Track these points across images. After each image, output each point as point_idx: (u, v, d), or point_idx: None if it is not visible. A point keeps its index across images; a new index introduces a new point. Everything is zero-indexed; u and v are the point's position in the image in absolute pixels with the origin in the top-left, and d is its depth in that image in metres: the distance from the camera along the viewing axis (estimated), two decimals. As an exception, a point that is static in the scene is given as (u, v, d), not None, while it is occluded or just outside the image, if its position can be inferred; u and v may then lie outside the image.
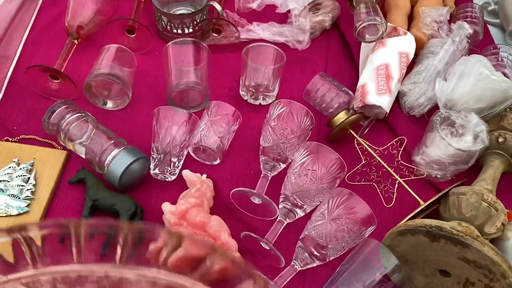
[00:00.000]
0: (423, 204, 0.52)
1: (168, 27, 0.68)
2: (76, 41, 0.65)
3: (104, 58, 0.61)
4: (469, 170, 0.57)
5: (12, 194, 0.54)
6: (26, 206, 0.53)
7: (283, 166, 0.56)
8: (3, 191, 0.54)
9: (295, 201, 0.52)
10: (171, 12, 0.68)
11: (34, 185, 0.55)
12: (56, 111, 0.57)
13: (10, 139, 0.59)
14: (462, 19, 0.71)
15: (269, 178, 0.56)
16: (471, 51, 0.69)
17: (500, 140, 0.57)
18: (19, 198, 0.54)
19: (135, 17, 0.68)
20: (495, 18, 0.78)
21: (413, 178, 0.57)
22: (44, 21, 0.72)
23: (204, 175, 0.55)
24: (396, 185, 0.56)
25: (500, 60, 0.66)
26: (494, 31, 0.77)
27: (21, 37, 0.69)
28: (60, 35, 0.68)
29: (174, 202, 0.52)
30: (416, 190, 0.55)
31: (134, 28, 0.67)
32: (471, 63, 0.59)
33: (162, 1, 0.66)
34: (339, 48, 0.73)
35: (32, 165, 0.56)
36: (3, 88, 0.63)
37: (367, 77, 0.64)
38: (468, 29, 0.68)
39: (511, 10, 0.73)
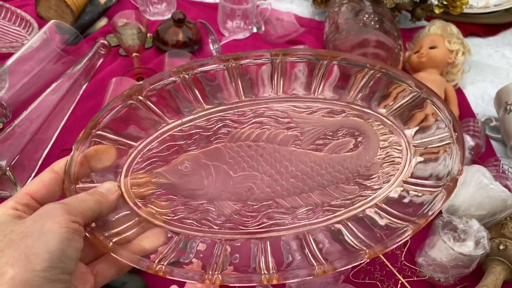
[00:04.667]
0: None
1: (192, 123, 0.75)
2: (107, 130, 0.71)
3: (132, 146, 0.67)
4: (471, 275, 0.58)
5: None
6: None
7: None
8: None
9: (299, 293, 0.54)
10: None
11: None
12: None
13: (36, 214, 0.63)
14: (465, 132, 0.76)
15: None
16: (474, 162, 0.73)
17: (501, 247, 0.59)
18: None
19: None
20: (497, 133, 0.83)
21: (415, 279, 0.59)
22: (81, 110, 0.80)
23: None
24: (399, 285, 0.57)
25: (501, 172, 0.70)
26: (496, 145, 0.82)
27: (59, 124, 0.76)
28: (94, 124, 0.75)
29: (182, 285, 0.54)
30: (418, 291, 0.56)
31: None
32: (471, 172, 0.63)
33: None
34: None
35: (52, 240, 0.60)
36: (37, 167, 0.69)
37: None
38: (470, 141, 0.73)
39: (511, 127, 0.78)
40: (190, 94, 0.44)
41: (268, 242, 0.40)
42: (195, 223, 0.41)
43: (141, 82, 0.43)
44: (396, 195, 0.42)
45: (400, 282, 0.57)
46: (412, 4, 1.00)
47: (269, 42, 0.98)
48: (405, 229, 0.38)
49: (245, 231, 0.41)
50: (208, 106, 0.45)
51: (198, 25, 0.92)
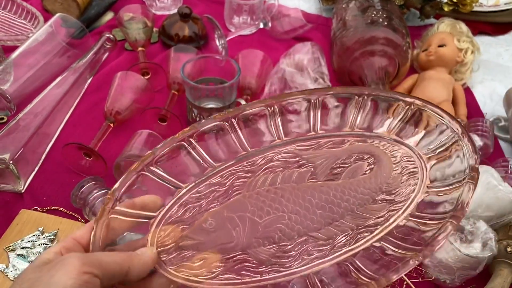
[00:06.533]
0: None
1: (197, 118, 0.74)
2: (112, 125, 0.71)
3: (136, 141, 0.66)
4: (478, 277, 0.58)
5: (31, 261, 0.56)
6: (44, 274, 0.55)
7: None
8: (24, 257, 0.56)
9: None
10: (201, 106, 0.74)
11: (54, 254, 0.57)
12: (85, 186, 0.61)
13: (39, 208, 0.63)
14: (473, 132, 0.75)
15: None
16: (482, 162, 0.72)
17: (509, 249, 0.58)
18: (38, 265, 0.56)
19: (168, 107, 0.75)
20: (506, 133, 0.82)
21: (421, 280, 0.58)
22: (85, 105, 0.79)
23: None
24: (404, 285, 0.56)
25: (509, 172, 0.69)
26: (504, 146, 0.80)
27: (63, 118, 0.76)
28: (98, 118, 0.75)
29: None
30: (424, 293, 0.55)
31: (166, 117, 0.73)
32: (480, 172, 0.62)
33: (194, 95, 0.73)
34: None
35: (55, 235, 0.59)
36: (40, 161, 0.69)
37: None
38: (478, 141, 0.72)
39: (520, 127, 0.77)
40: (198, 156, 0.46)
41: (315, 277, 0.40)
42: (234, 276, 0.40)
43: (149, 151, 0.44)
44: (425, 200, 0.43)
45: (405, 282, 0.56)
46: (421, 1, 0.99)
47: (275, 38, 0.97)
48: (447, 225, 0.38)
49: (288, 271, 0.40)
50: (218, 164, 0.46)
51: (204, 20, 0.92)
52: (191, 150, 0.46)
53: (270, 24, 0.96)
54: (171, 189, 0.44)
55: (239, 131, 0.47)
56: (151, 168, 0.43)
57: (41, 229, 0.59)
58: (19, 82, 0.77)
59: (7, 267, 0.56)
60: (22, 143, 0.65)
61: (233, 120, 0.47)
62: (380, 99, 0.48)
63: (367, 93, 0.48)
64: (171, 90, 0.78)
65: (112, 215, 0.39)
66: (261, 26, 0.96)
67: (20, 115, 0.70)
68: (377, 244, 0.41)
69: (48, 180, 0.67)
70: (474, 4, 0.99)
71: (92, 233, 0.37)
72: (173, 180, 0.44)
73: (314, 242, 0.41)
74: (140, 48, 0.85)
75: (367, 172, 0.45)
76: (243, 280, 0.40)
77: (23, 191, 0.65)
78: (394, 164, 0.46)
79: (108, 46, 0.88)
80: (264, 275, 0.40)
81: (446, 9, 0.99)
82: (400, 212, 0.43)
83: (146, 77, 0.81)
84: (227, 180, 0.45)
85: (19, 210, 0.62)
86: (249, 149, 0.47)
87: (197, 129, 0.46)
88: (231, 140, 0.47)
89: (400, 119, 0.47)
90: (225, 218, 0.42)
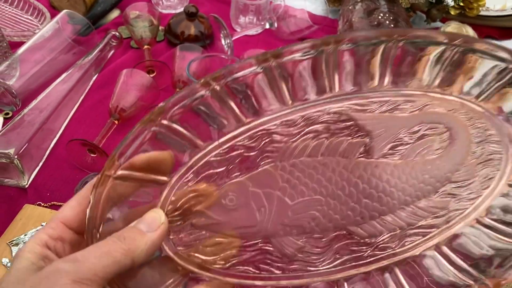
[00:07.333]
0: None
1: (201, 117, 0.74)
2: (116, 122, 0.71)
3: (140, 139, 0.66)
4: (480, 281, 0.57)
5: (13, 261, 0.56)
6: (46, 269, 0.55)
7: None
8: (27, 252, 0.56)
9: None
10: (205, 104, 0.74)
11: (56, 250, 0.57)
12: (89, 183, 0.61)
13: (42, 204, 0.63)
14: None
15: None
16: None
17: None
18: (40, 260, 0.56)
19: (173, 105, 0.75)
20: None
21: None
22: (90, 101, 0.79)
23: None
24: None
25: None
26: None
27: (68, 114, 0.76)
28: (103, 115, 0.75)
29: None
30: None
31: (171, 115, 0.73)
32: None
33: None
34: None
35: (58, 230, 0.59)
36: (44, 157, 0.69)
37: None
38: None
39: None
40: (225, 109, 0.34)
41: (345, 284, 0.33)
42: (251, 269, 0.33)
43: (162, 104, 0.33)
44: (501, 203, 0.33)
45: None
46: (428, 4, 0.99)
47: (281, 39, 0.97)
48: None
49: (316, 272, 0.33)
50: (249, 120, 0.33)
51: (210, 19, 0.92)
52: (216, 101, 0.33)
53: (276, 25, 0.96)
54: (186, 150, 0.34)
55: (278, 79, 0.33)
56: (164, 122, 0.33)
57: (44, 224, 0.60)
58: (24, 77, 0.77)
59: (10, 261, 0.56)
60: (27, 139, 0.66)
61: (273, 64, 0.32)
62: (476, 51, 0.31)
63: (461, 43, 0.31)
64: (176, 88, 0.78)
65: (114, 181, 0.32)
66: (267, 26, 0.96)
67: (25, 110, 0.70)
68: (429, 254, 0.33)
69: (52, 176, 0.67)
70: (480, 8, 0.98)
71: (89, 208, 0.30)
72: (191, 137, 0.33)
73: (351, 238, 0.33)
74: (145, 46, 0.86)
75: (436, 153, 0.34)
76: (261, 275, 0.33)
77: (27, 186, 0.65)
78: (474, 145, 0.33)
79: (114, 44, 0.89)
80: (286, 272, 0.33)
81: (452, 12, 0.99)
82: (465, 213, 0.33)
83: (152, 75, 0.82)
84: (257, 143, 0.33)
85: (22, 205, 0.62)
86: (290, 102, 0.33)
87: (226, 74, 0.33)
88: (267, 90, 0.34)
89: (496, 85, 0.32)
90: (249, 194, 0.33)
